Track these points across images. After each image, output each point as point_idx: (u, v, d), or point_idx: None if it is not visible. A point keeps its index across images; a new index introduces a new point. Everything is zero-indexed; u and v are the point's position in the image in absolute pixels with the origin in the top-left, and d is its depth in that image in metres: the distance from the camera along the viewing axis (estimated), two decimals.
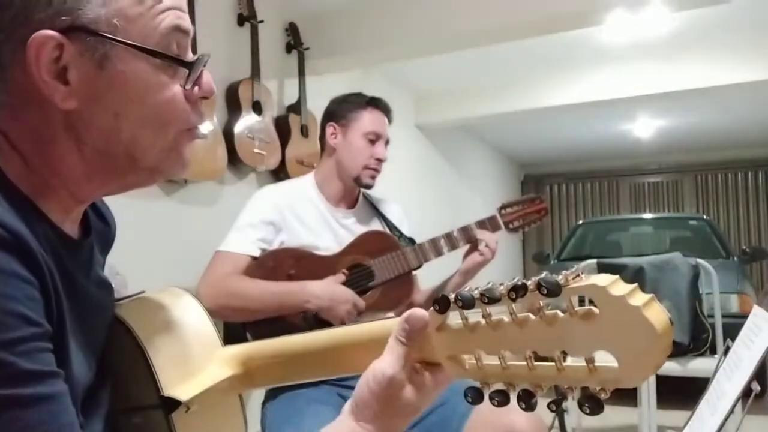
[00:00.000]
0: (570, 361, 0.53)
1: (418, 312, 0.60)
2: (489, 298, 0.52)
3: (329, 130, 1.84)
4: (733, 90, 4.33)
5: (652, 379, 2.51)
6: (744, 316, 1.09)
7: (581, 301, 0.51)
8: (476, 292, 0.53)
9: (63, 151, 0.63)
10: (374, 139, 1.80)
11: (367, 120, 1.81)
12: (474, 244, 1.78)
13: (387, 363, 0.60)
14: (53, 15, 0.59)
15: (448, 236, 1.78)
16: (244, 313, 1.61)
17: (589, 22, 3.07)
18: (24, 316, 0.53)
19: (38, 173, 0.63)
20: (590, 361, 0.51)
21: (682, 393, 2.27)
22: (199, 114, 0.69)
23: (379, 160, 1.81)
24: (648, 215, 7.52)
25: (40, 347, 0.54)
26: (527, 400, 0.54)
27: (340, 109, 1.84)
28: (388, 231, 1.84)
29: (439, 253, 1.77)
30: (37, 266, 0.55)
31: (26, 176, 0.62)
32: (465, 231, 1.79)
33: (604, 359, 0.51)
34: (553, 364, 0.52)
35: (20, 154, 0.62)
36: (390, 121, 1.87)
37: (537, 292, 0.50)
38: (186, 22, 0.66)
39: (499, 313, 0.54)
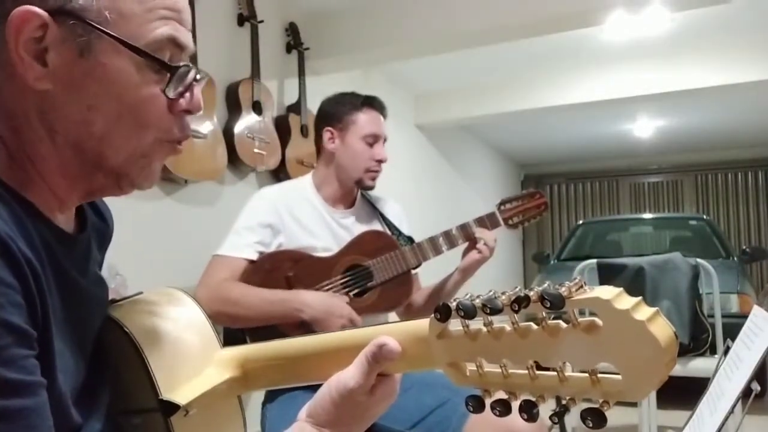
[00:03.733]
0: (572, 371, 0.52)
1: (392, 344, 0.62)
2: (491, 308, 0.52)
3: (326, 135, 1.81)
4: (733, 90, 4.33)
5: None
6: (744, 316, 1.09)
7: (581, 311, 0.51)
8: (478, 301, 0.53)
9: (36, 137, 0.62)
10: (373, 141, 1.78)
11: (364, 122, 1.78)
12: (473, 242, 1.77)
13: (351, 376, 0.62)
14: None
15: (447, 234, 1.77)
16: (239, 320, 1.59)
17: (589, 22, 3.07)
18: (7, 323, 0.52)
19: (19, 163, 0.62)
20: (593, 372, 0.51)
21: (682, 393, 2.27)
22: (182, 127, 0.67)
23: (380, 161, 1.79)
24: (648, 215, 7.53)
25: (23, 354, 0.54)
26: (529, 410, 0.53)
27: (336, 112, 1.81)
28: (387, 230, 1.83)
29: (438, 251, 1.76)
30: (19, 269, 0.54)
31: (10, 167, 0.61)
32: (464, 229, 1.78)
33: (607, 370, 0.51)
34: (556, 374, 0.52)
35: (5, 146, 0.61)
36: (385, 117, 1.84)
37: (539, 304, 0.49)
38: (184, 36, 0.64)
39: (501, 321, 0.54)
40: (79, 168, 0.64)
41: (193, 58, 0.63)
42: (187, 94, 0.66)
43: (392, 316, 1.87)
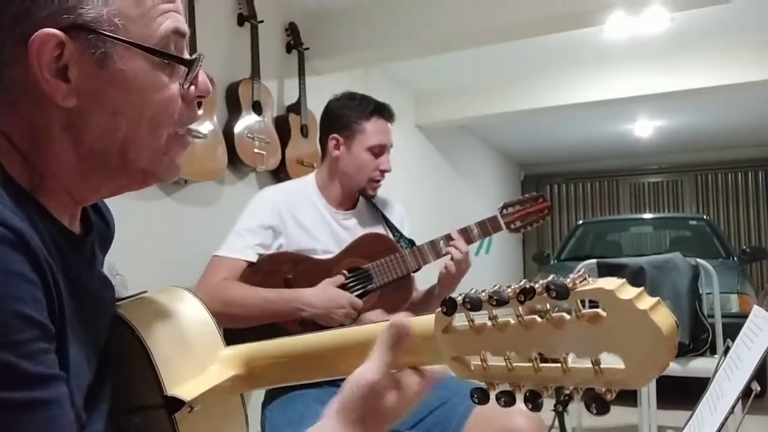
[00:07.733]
0: (576, 362, 0.53)
1: (402, 321, 0.62)
2: (497, 300, 0.53)
3: (332, 142, 1.77)
4: (733, 90, 4.34)
5: None
6: (744, 316, 1.09)
7: (582, 303, 0.52)
8: (484, 294, 0.53)
9: (60, 150, 0.63)
10: (379, 152, 1.76)
11: (372, 132, 1.75)
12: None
13: (369, 368, 0.62)
14: (55, 13, 0.59)
15: (448, 238, 1.76)
16: (239, 320, 1.59)
17: (589, 22, 3.08)
18: (28, 317, 0.53)
19: (37, 172, 0.63)
20: (596, 362, 0.51)
21: (682, 393, 2.27)
22: (194, 114, 0.69)
23: (384, 171, 1.77)
24: (648, 215, 7.55)
25: (44, 348, 0.54)
26: (534, 401, 0.55)
27: (343, 118, 1.77)
28: (389, 232, 1.82)
29: (438, 255, 1.75)
30: (39, 266, 0.55)
31: (27, 175, 0.62)
32: (464, 232, 1.77)
33: (609, 360, 0.52)
34: (559, 365, 0.53)
35: (20, 153, 0.62)
36: (392, 122, 1.82)
37: (545, 294, 0.50)
38: (183, 24, 0.66)
39: (505, 315, 0.55)
40: (103, 173, 0.65)
41: (191, 48, 0.66)
42: (195, 80, 0.68)
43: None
